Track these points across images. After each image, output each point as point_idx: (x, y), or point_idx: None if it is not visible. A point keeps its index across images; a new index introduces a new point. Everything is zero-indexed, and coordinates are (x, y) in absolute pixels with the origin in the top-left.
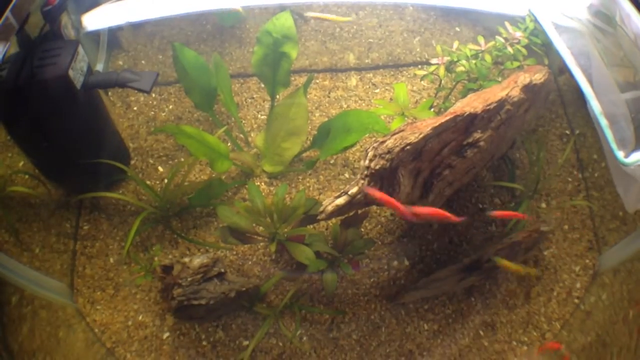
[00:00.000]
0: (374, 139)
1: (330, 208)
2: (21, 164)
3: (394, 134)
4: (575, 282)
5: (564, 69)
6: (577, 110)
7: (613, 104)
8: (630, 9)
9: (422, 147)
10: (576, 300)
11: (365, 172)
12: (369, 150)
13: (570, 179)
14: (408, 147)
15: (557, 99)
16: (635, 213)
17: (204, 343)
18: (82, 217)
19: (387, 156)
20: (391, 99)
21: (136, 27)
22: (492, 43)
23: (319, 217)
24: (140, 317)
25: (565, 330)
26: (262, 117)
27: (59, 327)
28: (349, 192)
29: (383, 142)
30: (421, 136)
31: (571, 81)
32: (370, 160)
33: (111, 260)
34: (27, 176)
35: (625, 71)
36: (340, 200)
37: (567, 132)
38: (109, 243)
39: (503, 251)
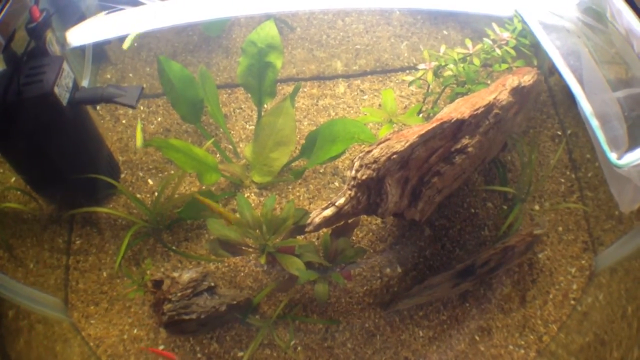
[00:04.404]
0: (361, 147)
1: (317, 220)
2: (13, 180)
3: (380, 143)
4: (572, 283)
5: (553, 69)
6: (568, 110)
7: (605, 103)
8: (621, 4)
9: (409, 155)
10: (573, 302)
11: (352, 183)
12: (355, 160)
13: (563, 180)
14: (394, 156)
15: (548, 100)
16: (630, 212)
17: (199, 355)
18: (74, 232)
19: (374, 166)
20: (379, 106)
21: (123, 40)
22: (480, 46)
23: (306, 230)
24: (134, 331)
25: (563, 332)
26: (251, 127)
27: (55, 341)
28: (336, 204)
29: (369, 151)
30: (407, 144)
31: (562, 81)
32: (357, 171)
33: (104, 274)
34: (19, 192)
35: (617, 68)
36: (328, 212)
37: (559, 132)
38: (102, 257)
39: (497, 256)
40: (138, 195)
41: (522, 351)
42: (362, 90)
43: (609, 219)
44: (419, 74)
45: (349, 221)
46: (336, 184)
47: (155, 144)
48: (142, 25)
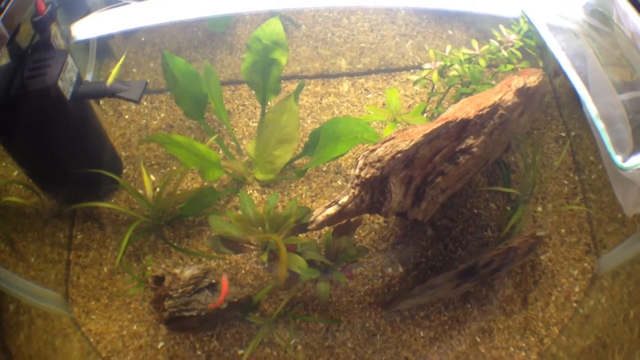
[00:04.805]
0: (365, 146)
1: (320, 218)
2: (15, 173)
3: (385, 142)
4: (574, 286)
5: (559, 71)
6: (572, 112)
7: (610, 106)
8: (627, 7)
9: (413, 154)
10: (575, 305)
11: (356, 181)
12: (359, 158)
13: (566, 182)
14: (399, 155)
15: (553, 101)
16: (634, 215)
17: (199, 352)
18: (76, 227)
19: (378, 164)
20: (383, 104)
21: (127, 35)
22: (486, 47)
23: (309, 228)
24: (134, 327)
25: (564, 334)
26: (254, 124)
27: (55, 336)
28: (339, 202)
29: (373, 150)
30: (412, 143)
31: (567, 83)
32: (361, 169)
33: (105, 269)
34: (21, 186)
35: (622, 71)
36: (331, 210)
37: (563, 134)
38: (103, 252)
39: (499, 257)
40: (140, 191)
41: (523, 353)
42: (366, 89)
43: (612, 222)
44: (424, 73)
45: (352, 220)
46: (339, 182)
47: (158, 140)
48: (147, 20)
